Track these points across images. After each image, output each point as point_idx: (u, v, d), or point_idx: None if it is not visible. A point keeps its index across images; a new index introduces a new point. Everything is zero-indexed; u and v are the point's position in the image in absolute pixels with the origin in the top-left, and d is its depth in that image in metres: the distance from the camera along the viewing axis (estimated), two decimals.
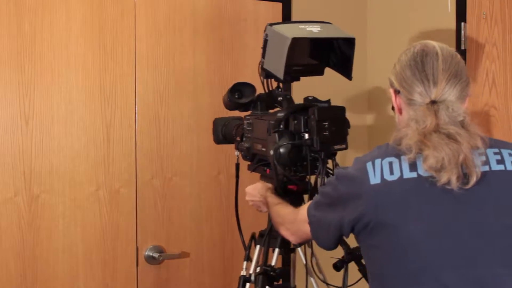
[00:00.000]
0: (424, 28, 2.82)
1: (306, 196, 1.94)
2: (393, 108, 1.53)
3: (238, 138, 2.10)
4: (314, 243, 1.67)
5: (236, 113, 2.16)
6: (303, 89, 2.90)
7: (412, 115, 1.40)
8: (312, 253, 1.99)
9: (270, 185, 1.93)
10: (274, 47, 1.84)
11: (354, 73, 3.16)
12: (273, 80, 1.98)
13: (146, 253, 2.56)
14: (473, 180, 1.32)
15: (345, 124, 1.82)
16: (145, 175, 2.55)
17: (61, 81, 2.38)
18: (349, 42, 1.88)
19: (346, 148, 1.81)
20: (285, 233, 1.71)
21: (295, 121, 1.79)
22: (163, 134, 2.59)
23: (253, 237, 2.11)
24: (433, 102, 1.39)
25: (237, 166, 2.14)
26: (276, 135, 1.79)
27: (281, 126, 1.81)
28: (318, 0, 2.98)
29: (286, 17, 2.85)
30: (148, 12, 2.54)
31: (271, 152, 1.78)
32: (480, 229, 1.34)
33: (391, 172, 1.36)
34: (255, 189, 1.99)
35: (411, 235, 1.34)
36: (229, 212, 2.72)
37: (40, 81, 2.34)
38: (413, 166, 1.35)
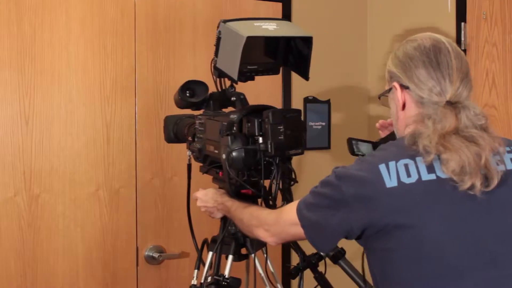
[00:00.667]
0: (424, 28, 2.82)
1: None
2: (380, 98, 1.50)
3: (189, 138, 2.00)
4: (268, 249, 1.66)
5: (189, 111, 2.07)
6: (304, 88, 2.92)
7: (431, 113, 1.36)
8: (267, 261, 1.92)
9: (223, 190, 1.85)
10: (228, 46, 1.73)
11: (354, 73, 3.17)
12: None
13: (146, 253, 2.56)
14: (495, 182, 1.30)
15: (301, 128, 1.73)
16: (145, 175, 2.55)
17: (61, 81, 2.38)
18: (307, 41, 1.78)
19: (302, 153, 1.72)
20: (263, 234, 1.60)
21: (249, 124, 1.70)
22: (163, 134, 2.58)
23: (204, 243, 2.00)
24: (449, 103, 1.36)
25: (189, 167, 2.02)
26: (229, 138, 1.69)
27: (234, 129, 1.72)
28: (318, 0, 2.98)
29: (286, 17, 2.85)
30: (148, 12, 2.54)
31: (224, 156, 1.69)
32: (501, 231, 1.33)
33: (408, 175, 1.32)
34: (207, 194, 1.89)
35: (432, 237, 1.30)
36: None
37: (40, 81, 2.34)
38: (430, 168, 1.31)
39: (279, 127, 1.64)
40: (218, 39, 1.75)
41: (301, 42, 1.80)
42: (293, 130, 1.67)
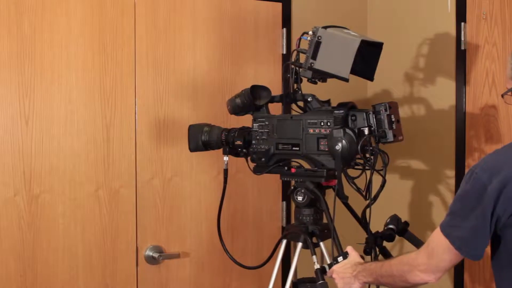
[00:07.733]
0: (424, 28, 2.82)
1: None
2: (503, 96, 1.62)
3: (238, 142, 2.14)
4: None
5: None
6: (303, 89, 2.91)
7: None
8: (338, 248, 2.08)
9: (356, 260, 1.88)
10: (334, 49, 1.92)
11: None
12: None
13: (146, 253, 2.56)
14: None
15: (399, 118, 1.95)
16: (145, 175, 2.55)
17: (61, 81, 2.38)
18: (374, 46, 2.02)
19: (403, 139, 1.95)
20: (420, 275, 1.61)
21: (353, 117, 1.94)
22: (163, 134, 2.59)
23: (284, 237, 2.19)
24: None
25: (226, 171, 2.21)
26: (341, 130, 1.90)
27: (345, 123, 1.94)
28: (318, 0, 2.98)
29: (286, 17, 2.86)
30: (148, 12, 2.54)
31: (337, 147, 1.89)
32: None
33: None
34: (343, 266, 1.87)
35: None
36: (229, 212, 2.72)
37: (40, 81, 2.34)
38: None
39: (392, 118, 1.88)
40: (318, 43, 1.92)
41: (367, 48, 2.00)
42: (397, 120, 1.91)
